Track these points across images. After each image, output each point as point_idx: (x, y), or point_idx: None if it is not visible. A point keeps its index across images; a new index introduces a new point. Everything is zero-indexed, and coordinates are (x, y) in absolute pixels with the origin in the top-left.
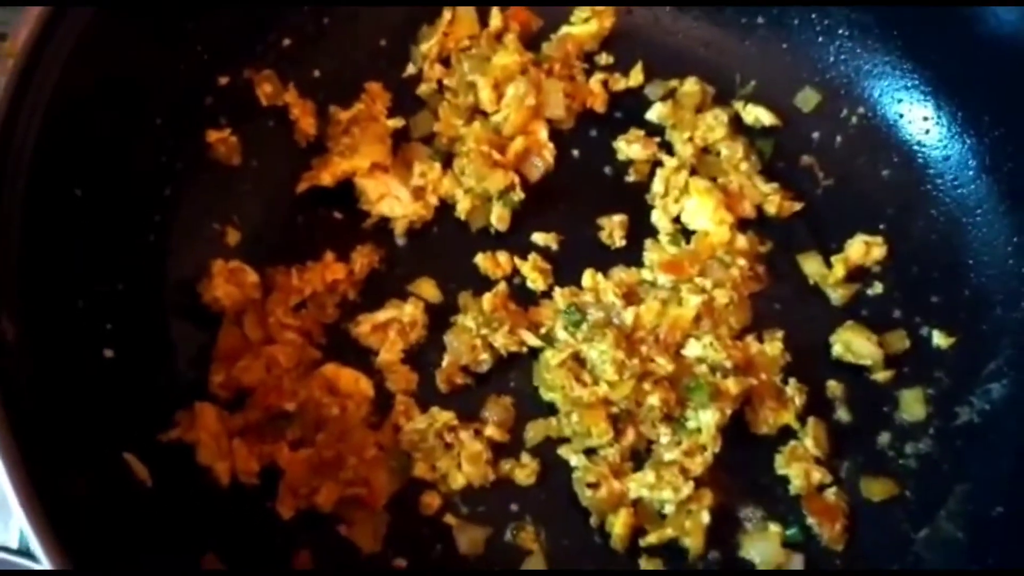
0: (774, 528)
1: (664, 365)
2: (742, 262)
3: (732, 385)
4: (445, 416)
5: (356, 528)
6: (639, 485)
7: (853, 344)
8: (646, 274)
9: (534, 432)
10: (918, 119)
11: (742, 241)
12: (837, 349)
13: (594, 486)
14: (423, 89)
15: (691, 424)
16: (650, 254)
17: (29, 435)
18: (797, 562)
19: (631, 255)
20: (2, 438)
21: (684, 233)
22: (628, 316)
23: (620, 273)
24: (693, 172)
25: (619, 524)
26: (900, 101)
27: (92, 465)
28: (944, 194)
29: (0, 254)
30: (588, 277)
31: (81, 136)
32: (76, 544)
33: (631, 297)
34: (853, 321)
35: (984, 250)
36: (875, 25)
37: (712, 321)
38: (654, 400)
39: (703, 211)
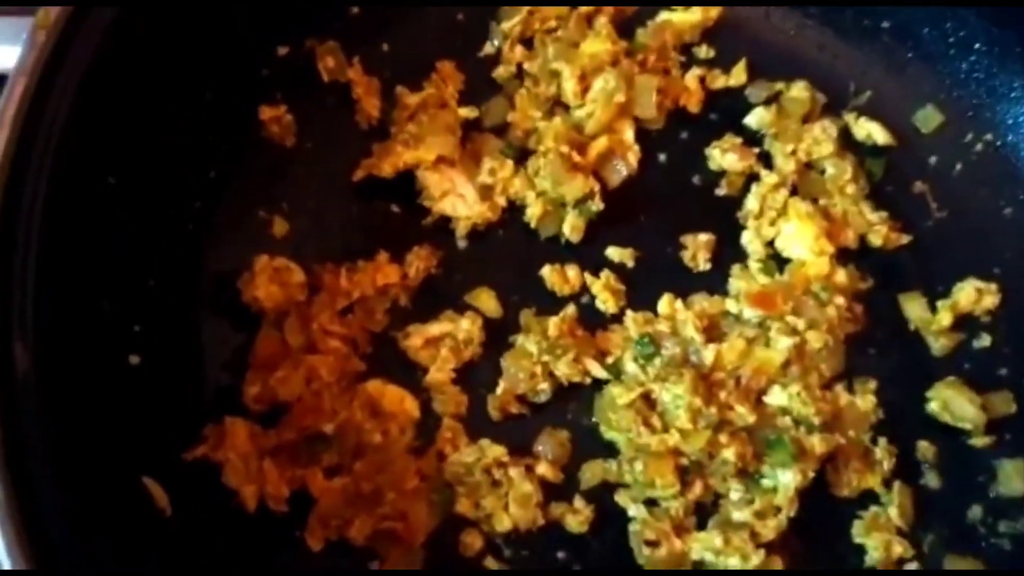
0: None
1: (744, 415)
2: (840, 300)
3: (817, 443)
4: (496, 451)
5: (390, 565)
6: (703, 547)
7: (952, 403)
8: (731, 305)
9: (591, 474)
10: None
11: (842, 275)
12: (933, 406)
13: (653, 543)
14: (500, 72)
15: (767, 483)
16: (737, 282)
17: (34, 459)
18: None
19: (715, 281)
20: None
21: (777, 260)
22: (708, 354)
23: (702, 302)
24: (793, 191)
25: None
26: None
27: (106, 491)
28: None
29: (16, 255)
30: (666, 304)
31: (119, 115)
32: None
33: (712, 332)
34: (954, 376)
35: None
36: (1017, 43)
37: (801, 367)
38: (729, 454)
39: (802, 238)
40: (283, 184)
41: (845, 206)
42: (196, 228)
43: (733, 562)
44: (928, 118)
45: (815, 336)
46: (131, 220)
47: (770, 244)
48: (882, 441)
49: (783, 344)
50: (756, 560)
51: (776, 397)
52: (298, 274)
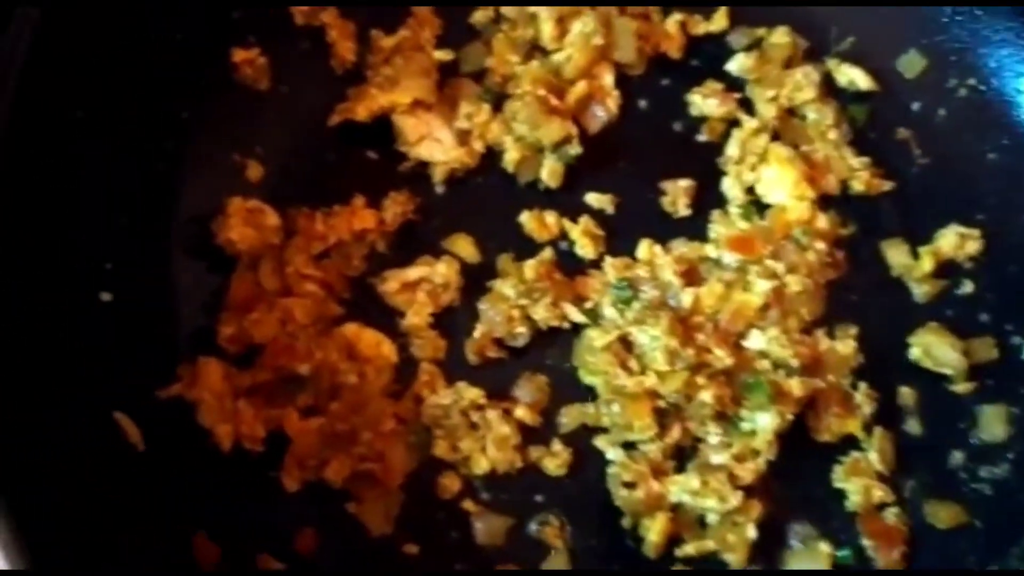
0: (824, 547)
1: (722, 358)
2: (821, 245)
3: (796, 387)
4: (473, 393)
5: (366, 507)
6: (681, 489)
7: (934, 348)
8: (710, 250)
9: (569, 418)
10: None
11: (823, 221)
12: (915, 352)
13: (630, 485)
14: (477, 17)
15: (745, 426)
16: (717, 227)
17: (3, 392)
18: None
19: (695, 227)
20: None
21: (757, 206)
22: (686, 298)
23: (681, 247)
24: (774, 137)
25: (655, 530)
26: (1020, 75)
27: (77, 424)
28: None
29: None
30: (644, 248)
31: (86, 49)
32: (47, 522)
33: (691, 276)
34: (936, 322)
35: None
36: None
37: (780, 311)
38: (707, 396)
39: (782, 183)
40: (257, 128)
41: (827, 152)
42: (168, 168)
43: (711, 503)
44: (911, 63)
45: (794, 280)
46: (101, 156)
47: (750, 190)
48: (863, 386)
49: (762, 287)
50: (734, 502)
51: (755, 341)
52: (272, 217)
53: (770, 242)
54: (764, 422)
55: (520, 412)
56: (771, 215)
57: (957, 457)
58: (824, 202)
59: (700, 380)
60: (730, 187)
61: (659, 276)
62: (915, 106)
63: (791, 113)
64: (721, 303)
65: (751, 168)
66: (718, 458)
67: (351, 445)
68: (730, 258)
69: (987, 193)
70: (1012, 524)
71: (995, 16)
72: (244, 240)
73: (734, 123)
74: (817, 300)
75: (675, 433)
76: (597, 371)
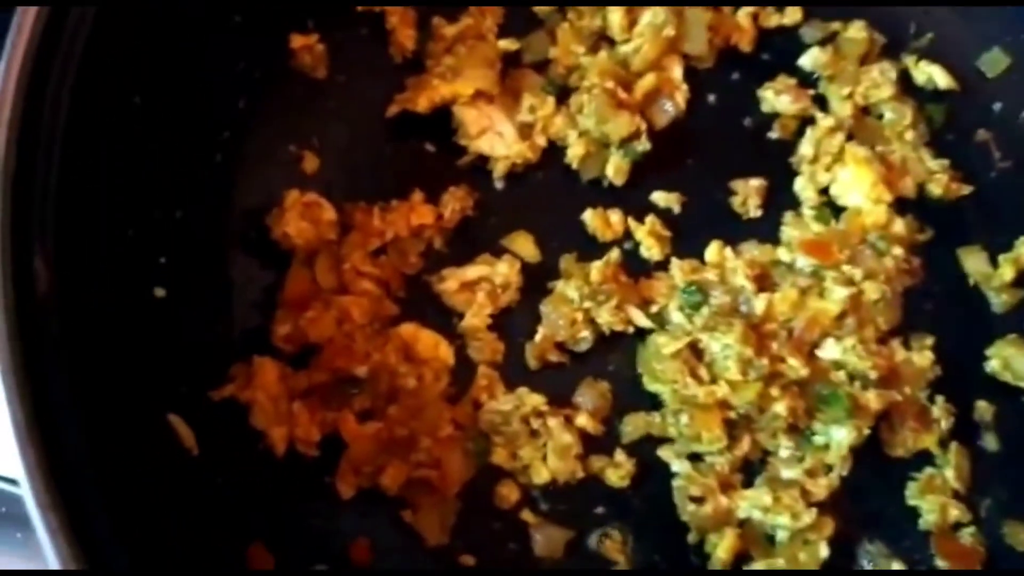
0: (896, 567)
1: (797, 368)
2: (898, 251)
3: (873, 399)
4: (534, 400)
5: (422, 515)
6: (751, 504)
7: (1013, 362)
8: (783, 254)
9: (632, 427)
10: None
11: (899, 225)
12: (993, 365)
13: (698, 500)
14: (541, 6)
15: (818, 439)
16: (790, 230)
17: (56, 392)
18: None
19: (766, 229)
20: (16, 400)
21: (831, 208)
22: (759, 304)
23: (752, 250)
24: (850, 137)
25: (723, 547)
26: None
27: (129, 425)
28: None
29: (38, 173)
30: (714, 251)
31: (143, 33)
32: (100, 525)
33: (763, 281)
34: (1016, 335)
35: None
36: None
37: (857, 319)
38: (780, 408)
39: (858, 185)
40: (314, 118)
41: (904, 153)
42: (225, 159)
43: (782, 520)
44: (994, 61)
45: (872, 287)
46: (158, 145)
47: (824, 191)
48: (939, 399)
49: (838, 295)
50: (807, 519)
51: (830, 350)
52: (329, 211)
53: (846, 246)
54: (839, 436)
55: (582, 420)
56: (846, 218)
57: None
58: (901, 206)
59: (774, 392)
60: (803, 188)
61: (729, 280)
62: (996, 107)
63: (866, 112)
64: (795, 310)
65: (826, 168)
66: (789, 473)
67: (408, 451)
68: (804, 262)
69: None
70: None
71: None
72: (300, 235)
73: (807, 121)
74: (895, 308)
75: (744, 445)
76: (664, 379)
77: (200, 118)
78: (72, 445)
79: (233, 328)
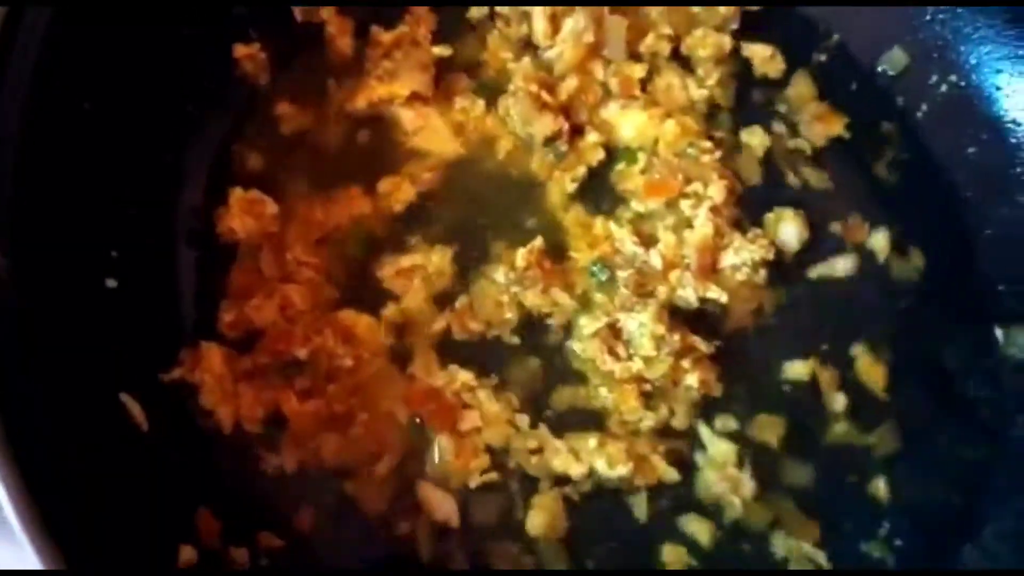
0: None
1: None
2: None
3: None
4: (464, 375)
5: (361, 485)
6: None
7: None
8: (639, 207)
9: (559, 400)
10: (1018, 94)
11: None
12: None
13: None
14: (473, 13)
15: None
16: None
17: (15, 372)
18: None
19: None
20: None
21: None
22: (656, 258)
23: (623, 215)
24: None
25: None
26: (999, 72)
27: (84, 405)
28: None
29: None
30: (599, 227)
31: (93, 42)
32: (57, 496)
33: (645, 238)
34: None
35: None
36: None
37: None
38: (691, 380)
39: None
40: (257, 120)
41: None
42: (173, 160)
43: None
44: (895, 59)
45: (715, 189)
46: (109, 148)
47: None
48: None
49: (701, 214)
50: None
51: (730, 259)
52: (271, 207)
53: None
54: None
55: (511, 392)
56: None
57: None
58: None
59: (685, 364)
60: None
61: (624, 250)
62: (899, 100)
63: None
64: (681, 247)
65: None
66: None
67: (346, 426)
68: (656, 205)
69: (965, 185)
70: None
71: (976, 14)
72: (244, 229)
73: None
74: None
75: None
76: (585, 356)
77: (149, 121)
78: (30, 421)
79: (182, 315)
